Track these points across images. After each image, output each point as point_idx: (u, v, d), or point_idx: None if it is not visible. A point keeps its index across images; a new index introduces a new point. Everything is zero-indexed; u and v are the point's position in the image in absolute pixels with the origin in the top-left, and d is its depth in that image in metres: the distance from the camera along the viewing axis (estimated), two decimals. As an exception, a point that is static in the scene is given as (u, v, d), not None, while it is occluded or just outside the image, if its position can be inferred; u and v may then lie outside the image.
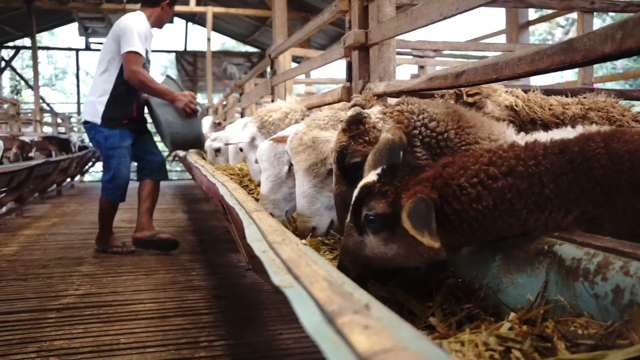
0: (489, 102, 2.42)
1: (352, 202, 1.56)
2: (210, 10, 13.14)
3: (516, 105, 2.50)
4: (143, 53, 5.14)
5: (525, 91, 2.68)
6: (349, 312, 0.73)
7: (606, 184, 1.36)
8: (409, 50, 6.42)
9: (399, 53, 6.75)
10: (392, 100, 3.01)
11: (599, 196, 1.36)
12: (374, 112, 1.96)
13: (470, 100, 2.40)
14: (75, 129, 18.62)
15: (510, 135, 1.86)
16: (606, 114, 2.62)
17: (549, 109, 2.57)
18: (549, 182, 1.37)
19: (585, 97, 2.76)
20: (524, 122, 2.51)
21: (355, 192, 1.55)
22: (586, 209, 1.37)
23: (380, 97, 2.77)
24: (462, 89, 2.40)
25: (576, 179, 1.37)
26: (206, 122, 8.28)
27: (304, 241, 1.24)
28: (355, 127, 1.93)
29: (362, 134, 1.91)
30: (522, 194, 1.38)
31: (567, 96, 2.83)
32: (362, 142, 1.90)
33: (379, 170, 1.54)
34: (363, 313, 0.74)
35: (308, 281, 0.88)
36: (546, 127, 2.48)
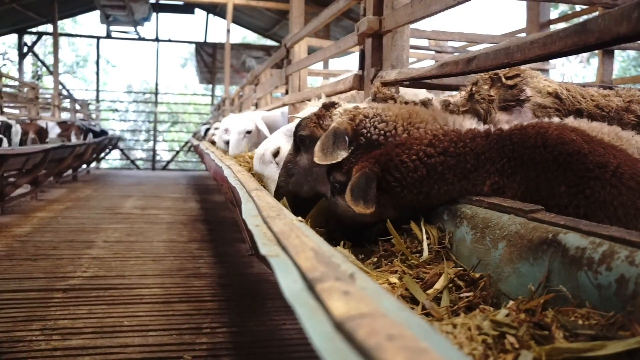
0: (528, 87, 2.36)
1: (326, 170, 2.08)
2: (230, 2, 13.11)
3: (562, 94, 2.40)
4: None
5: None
6: (331, 279, 0.70)
7: (512, 158, 1.69)
8: (426, 44, 6.34)
9: (417, 47, 6.68)
10: (404, 90, 2.97)
11: (506, 168, 1.70)
12: (341, 108, 2.27)
13: (510, 82, 2.35)
14: (94, 115, 18.80)
15: (469, 126, 2.04)
16: None
17: (592, 100, 2.45)
18: (471, 159, 1.73)
19: (623, 89, 2.62)
20: (569, 111, 2.40)
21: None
22: (494, 180, 1.71)
23: (392, 85, 2.73)
24: (500, 72, 2.38)
25: (490, 155, 1.72)
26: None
27: (299, 218, 1.21)
28: (323, 110, 2.29)
29: (320, 117, 2.28)
30: (452, 168, 1.75)
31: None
32: (315, 123, 2.26)
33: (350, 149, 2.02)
34: (345, 281, 0.70)
35: (295, 251, 0.85)
36: (592, 119, 2.31)
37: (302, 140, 2.28)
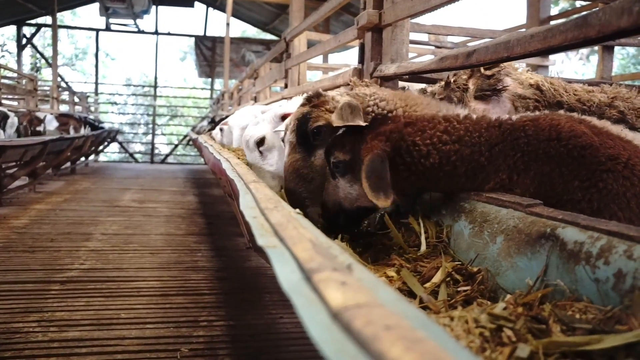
0: (508, 78, 2.38)
1: (324, 151, 1.93)
2: (230, -5, 13.06)
3: (543, 85, 2.43)
4: None
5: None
6: (328, 270, 0.69)
7: (527, 152, 1.63)
8: (426, 39, 6.33)
9: (417, 42, 6.66)
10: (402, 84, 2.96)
11: (519, 164, 1.64)
12: (332, 93, 2.21)
13: (488, 72, 2.37)
14: (92, 108, 18.75)
15: (463, 113, 2.03)
16: (632, 105, 2.52)
17: (574, 94, 2.48)
18: (485, 151, 1.67)
19: (610, 85, 2.65)
20: (550, 103, 2.44)
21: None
22: (504, 176, 1.65)
23: (391, 79, 2.73)
24: None
25: (504, 148, 1.66)
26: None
27: (297, 210, 1.21)
28: (316, 99, 2.16)
29: (323, 104, 2.13)
30: (465, 159, 1.68)
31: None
32: (324, 109, 2.12)
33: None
34: (343, 271, 0.70)
35: (292, 242, 0.84)
36: (572, 112, 2.37)
37: (317, 133, 2.09)
